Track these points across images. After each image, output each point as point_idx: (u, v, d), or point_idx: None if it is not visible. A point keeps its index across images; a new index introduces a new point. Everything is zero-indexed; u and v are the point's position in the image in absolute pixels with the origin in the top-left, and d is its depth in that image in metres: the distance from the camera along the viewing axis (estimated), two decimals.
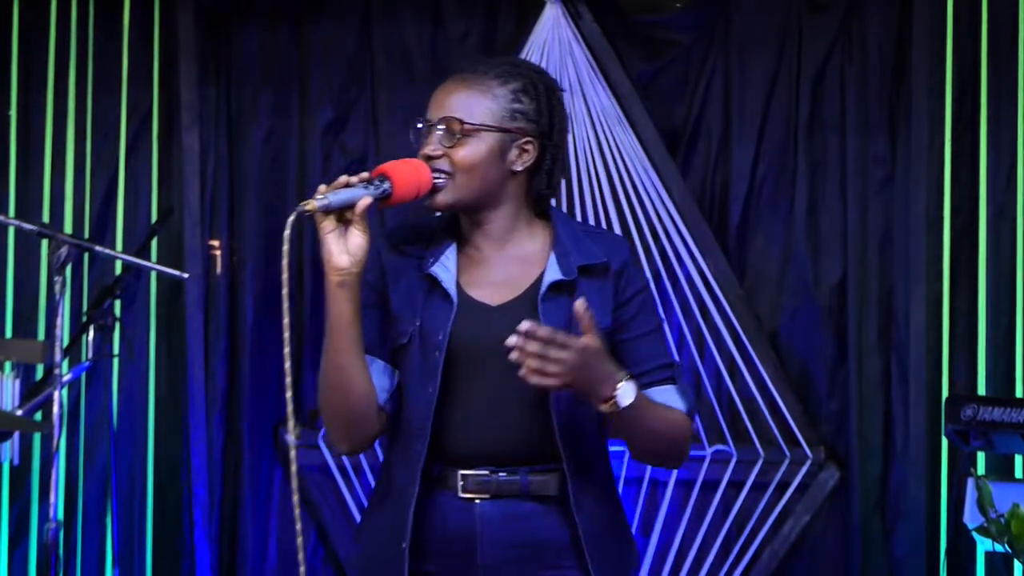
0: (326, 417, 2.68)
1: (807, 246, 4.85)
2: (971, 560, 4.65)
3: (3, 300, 5.08)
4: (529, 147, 2.66)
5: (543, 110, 2.67)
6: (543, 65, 4.90)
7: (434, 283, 2.65)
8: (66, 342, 4.10)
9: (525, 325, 2.44)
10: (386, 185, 2.55)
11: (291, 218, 2.49)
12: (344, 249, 2.53)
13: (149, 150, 5.09)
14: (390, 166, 2.58)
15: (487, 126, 2.62)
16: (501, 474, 2.62)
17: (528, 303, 2.63)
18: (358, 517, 4.97)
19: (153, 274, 5.01)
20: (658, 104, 4.92)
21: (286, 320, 2.52)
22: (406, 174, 2.57)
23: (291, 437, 2.52)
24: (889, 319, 4.78)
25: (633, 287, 2.70)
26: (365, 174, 2.56)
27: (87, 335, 4.34)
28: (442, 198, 2.63)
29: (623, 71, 4.91)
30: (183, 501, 5.00)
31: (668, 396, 2.69)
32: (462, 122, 2.62)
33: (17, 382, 4.57)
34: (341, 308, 2.56)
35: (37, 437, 4.95)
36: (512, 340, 2.44)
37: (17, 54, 5.12)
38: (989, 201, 4.72)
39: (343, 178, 2.54)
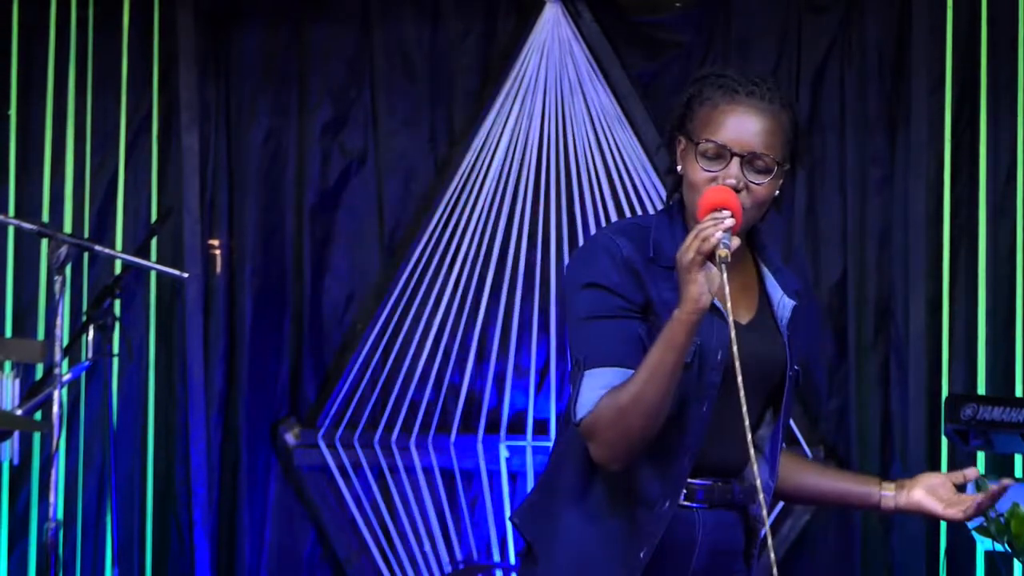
0: (622, 439, 2.52)
1: (806, 245, 4.85)
2: (971, 559, 4.65)
3: (3, 300, 5.08)
4: (783, 173, 2.60)
5: (798, 136, 2.61)
6: (543, 65, 4.91)
7: None
8: (66, 342, 4.10)
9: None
10: (733, 223, 2.45)
11: (719, 268, 2.38)
12: (707, 289, 2.42)
13: (149, 150, 5.09)
14: (728, 200, 2.47)
15: (784, 164, 2.55)
16: (719, 483, 2.62)
17: (768, 322, 2.62)
18: (357, 517, 4.97)
19: (153, 274, 5.01)
20: (658, 104, 4.92)
21: None
22: (738, 209, 2.47)
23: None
24: (888, 318, 4.78)
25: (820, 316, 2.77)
26: (727, 211, 2.44)
27: (87, 335, 4.34)
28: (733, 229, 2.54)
29: (623, 71, 4.91)
30: (182, 500, 5.01)
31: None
32: (777, 161, 2.53)
33: (17, 382, 4.56)
34: (688, 343, 2.45)
35: (37, 437, 4.95)
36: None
37: (17, 54, 5.12)
38: (988, 200, 4.72)
39: (726, 222, 2.42)
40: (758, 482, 2.54)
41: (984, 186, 4.73)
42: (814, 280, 4.85)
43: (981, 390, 4.69)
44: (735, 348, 2.40)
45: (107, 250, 4.29)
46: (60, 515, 3.95)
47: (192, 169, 5.02)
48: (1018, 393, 4.68)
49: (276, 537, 5.04)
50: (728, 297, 2.41)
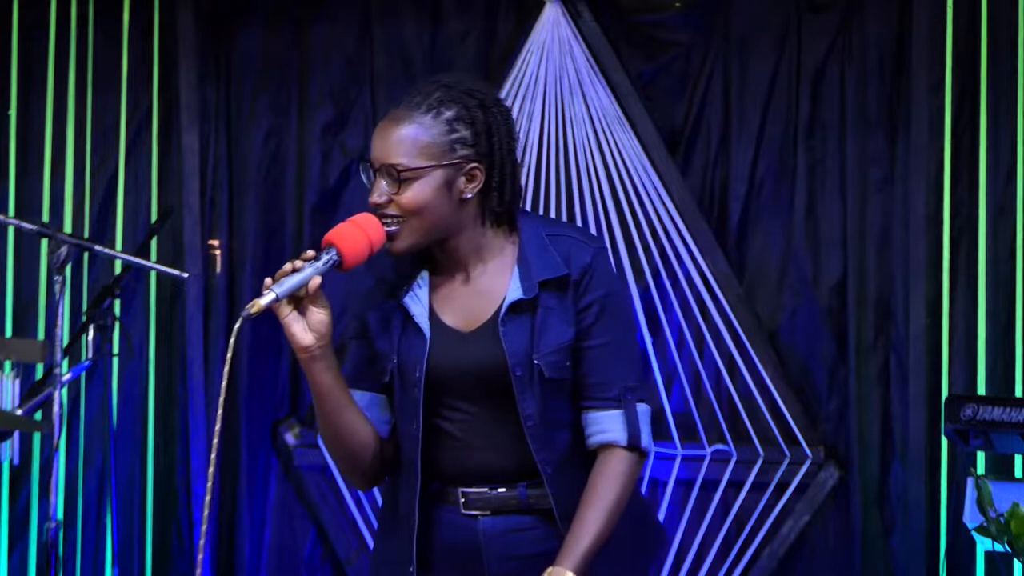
0: (337, 465, 2.78)
1: (806, 246, 4.85)
2: (971, 559, 4.65)
3: (3, 300, 5.08)
4: (476, 172, 2.62)
5: (481, 132, 2.62)
6: (543, 65, 4.91)
7: (408, 314, 2.65)
8: (66, 342, 4.10)
9: None
10: (333, 255, 2.53)
11: (238, 324, 2.46)
12: (306, 328, 2.54)
13: (149, 150, 5.10)
14: (335, 234, 2.54)
15: (426, 166, 2.58)
16: (500, 490, 2.66)
17: (494, 326, 2.64)
18: (357, 517, 4.97)
19: (153, 274, 5.01)
20: (658, 104, 4.92)
21: (220, 412, 2.55)
22: (353, 237, 2.54)
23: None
24: (888, 318, 4.78)
25: (593, 294, 2.66)
26: (311, 252, 2.54)
27: (87, 335, 4.34)
28: (399, 244, 2.60)
29: (623, 71, 4.91)
30: (182, 500, 5.01)
31: (608, 422, 2.67)
32: (399, 169, 2.57)
33: (17, 382, 4.57)
34: (321, 379, 2.58)
35: (37, 437, 4.96)
36: None
37: (17, 54, 5.12)
38: (988, 200, 4.71)
39: (287, 265, 2.51)
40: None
41: (984, 186, 4.72)
42: (814, 280, 4.85)
43: (981, 390, 4.69)
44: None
45: (107, 250, 4.29)
46: (60, 515, 3.95)
47: (192, 169, 5.02)
48: (1018, 393, 4.68)
49: (276, 537, 5.04)
50: (284, 325, 2.54)
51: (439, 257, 2.69)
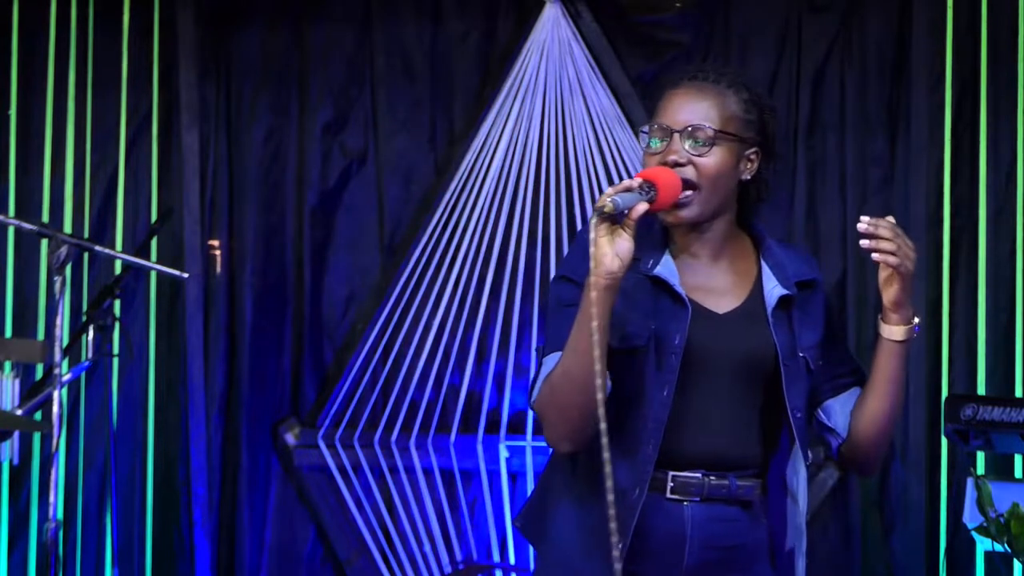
0: (560, 417, 2.57)
1: (806, 246, 4.85)
2: (970, 559, 4.65)
3: (3, 300, 5.08)
4: (755, 156, 2.67)
5: (767, 121, 2.68)
6: (543, 65, 4.91)
7: (661, 286, 2.62)
8: (66, 342, 4.10)
9: (867, 220, 2.56)
10: (653, 193, 2.51)
11: (594, 220, 2.42)
12: (615, 253, 2.46)
13: (149, 150, 5.10)
14: (656, 174, 2.53)
15: (732, 133, 2.61)
16: (711, 478, 2.63)
17: (755, 313, 2.65)
18: (357, 517, 4.97)
19: (153, 274, 5.01)
20: None
21: (595, 323, 2.40)
22: (668, 182, 2.54)
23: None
24: None
25: (827, 297, 2.79)
26: (637, 180, 2.51)
27: (87, 335, 4.34)
28: (686, 213, 2.60)
29: (623, 71, 4.91)
30: (182, 500, 5.01)
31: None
32: (715, 130, 2.60)
33: (17, 382, 4.57)
34: (603, 311, 2.46)
35: (37, 437, 4.96)
36: (864, 224, 2.56)
37: (17, 54, 5.12)
38: (988, 200, 4.72)
39: (628, 182, 2.49)
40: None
41: (984, 186, 4.73)
42: None
43: (981, 390, 4.69)
44: (596, 312, 2.41)
45: (107, 250, 4.29)
46: (60, 515, 3.95)
47: (192, 169, 5.02)
48: (1018, 393, 4.69)
49: (276, 537, 5.04)
50: (598, 244, 2.44)
51: (685, 236, 2.67)
